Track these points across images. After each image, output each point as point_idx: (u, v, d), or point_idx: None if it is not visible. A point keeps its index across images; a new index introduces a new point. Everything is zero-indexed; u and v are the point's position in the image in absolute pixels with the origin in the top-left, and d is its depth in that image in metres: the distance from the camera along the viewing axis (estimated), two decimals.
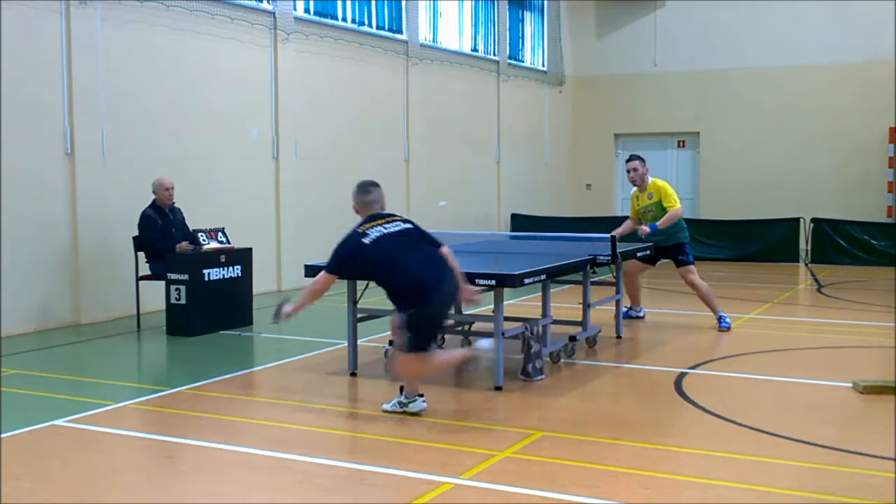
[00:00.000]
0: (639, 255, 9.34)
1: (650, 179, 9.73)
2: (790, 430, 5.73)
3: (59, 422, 6.06)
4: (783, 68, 19.69)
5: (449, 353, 6.88)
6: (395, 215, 6.30)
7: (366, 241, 6.04)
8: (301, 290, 6.32)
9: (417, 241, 6.17)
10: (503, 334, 6.87)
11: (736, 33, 20.09)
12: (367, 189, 6.33)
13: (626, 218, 10.30)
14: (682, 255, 9.71)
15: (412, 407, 6.18)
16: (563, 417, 6.17)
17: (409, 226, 6.23)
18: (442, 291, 6.01)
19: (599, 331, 8.79)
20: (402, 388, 6.27)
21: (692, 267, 9.71)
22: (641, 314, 10.33)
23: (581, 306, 8.37)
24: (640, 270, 10.14)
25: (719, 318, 9.56)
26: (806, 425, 5.93)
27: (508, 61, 19.03)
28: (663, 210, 9.54)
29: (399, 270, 5.97)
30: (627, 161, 9.88)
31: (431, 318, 6.00)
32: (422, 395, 6.24)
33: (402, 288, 5.98)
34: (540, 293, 7.81)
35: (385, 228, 6.12)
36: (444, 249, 6.23)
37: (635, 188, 9.86)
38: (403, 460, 5.21)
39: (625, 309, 9.88)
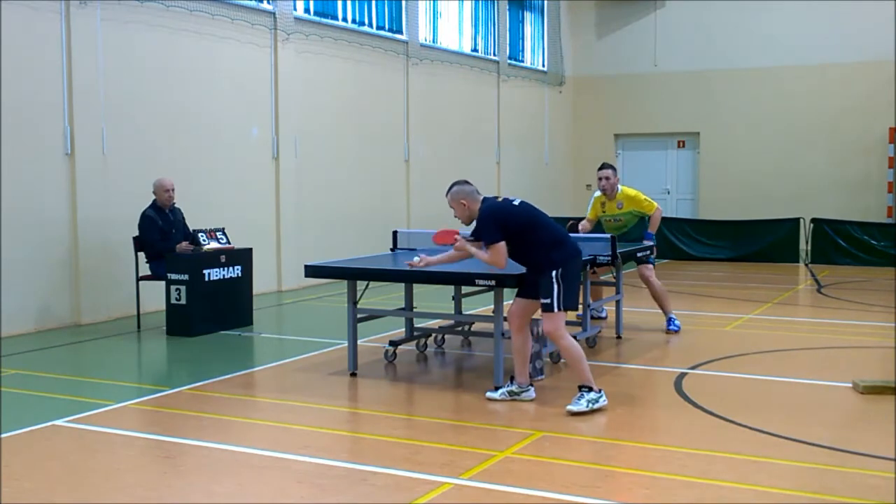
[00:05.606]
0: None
1: (620, 188, 9.47)
2: (790, 430, 5.73)
3: (59, 422, 6.06)
4: (783, 68, 19.69)
5: None
6: None
7: None
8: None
9: None
10: (503, 334, 6.88)
11: (736, 33, 20.08)
12: None
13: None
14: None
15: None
16: (563, 417, 6.17)
17: None
18: None
19: (599, 331, 8.79)
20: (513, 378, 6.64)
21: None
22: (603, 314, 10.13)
23: (581, 306, 8.37)
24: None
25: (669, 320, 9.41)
26: (806, 425, 5.92)
27: (508, 61, 19.03)
28: (635, 218, 9.44)
29: None
30: (600, 169, 9.46)
31: None
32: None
33: None
34: None
35: None
36: None
37: (599, 194, 9.55)
38: (403, 460, 5.21)
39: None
